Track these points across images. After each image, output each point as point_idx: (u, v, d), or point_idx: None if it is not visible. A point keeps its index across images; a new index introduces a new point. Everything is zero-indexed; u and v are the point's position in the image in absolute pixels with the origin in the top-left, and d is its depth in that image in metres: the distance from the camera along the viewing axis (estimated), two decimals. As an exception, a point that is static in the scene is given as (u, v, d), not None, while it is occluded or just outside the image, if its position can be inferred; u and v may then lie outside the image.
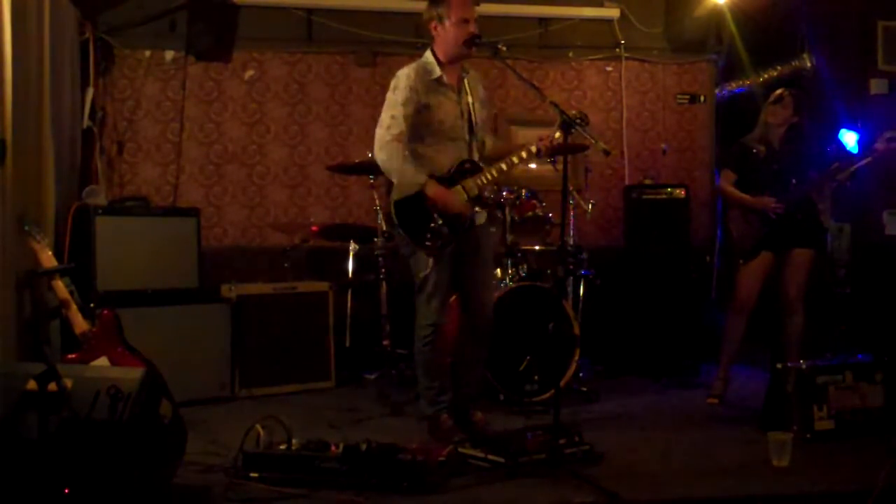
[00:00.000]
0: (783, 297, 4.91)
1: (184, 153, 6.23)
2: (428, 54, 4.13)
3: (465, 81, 4.14)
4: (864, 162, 4.75)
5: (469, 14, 4.02)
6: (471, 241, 4.12)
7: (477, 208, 4.11)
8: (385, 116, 4.03)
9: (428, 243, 3.98)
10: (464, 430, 4.12)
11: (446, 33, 4.04)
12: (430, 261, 4.02)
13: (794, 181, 4.83)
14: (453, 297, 4.61)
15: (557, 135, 3.88)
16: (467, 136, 4.11)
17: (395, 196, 4.02)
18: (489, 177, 4.04)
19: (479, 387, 4.41)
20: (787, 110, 4.91)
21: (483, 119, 4.24)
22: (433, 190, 3.94)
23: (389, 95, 4.06)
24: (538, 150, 4.02)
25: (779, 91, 5.01)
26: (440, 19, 4.04)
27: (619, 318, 6.10)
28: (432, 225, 3.97)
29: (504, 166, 4.05)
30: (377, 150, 4.04)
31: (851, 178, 4.81)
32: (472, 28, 4.02)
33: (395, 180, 4.02)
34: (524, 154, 4.04)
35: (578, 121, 3.79)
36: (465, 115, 4.11)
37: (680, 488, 3.42)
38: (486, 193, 4.16)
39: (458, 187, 4.01)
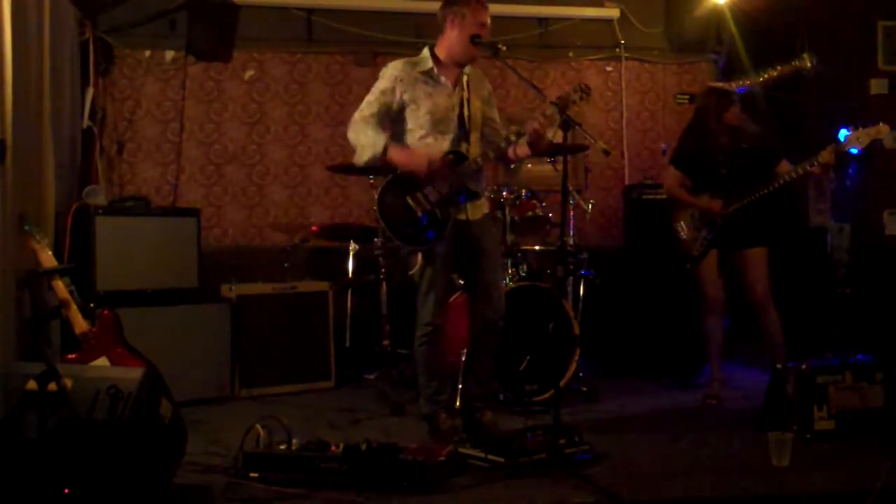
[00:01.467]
0: (750, 298, 4.88)
1: (184, 153, 6.24)
2: (425, 51, 4.14)
3: (465, 79, 4.14)
4: (810, 169, 4.61)
5: (486, 19, 4.05)
6: (467, 238, 4.11)
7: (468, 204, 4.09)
8: (363, 101, 4.12)
9: (411, 238, 4.02)
10: (471, 431, 4.11)
11: (462, 32, 4.02)
12: (419, 257, 4.05)
13: (739, 186, 4.75)
14: (455, 297, 4.63)
15: (542, 127, 3.91)
16: (458, 131, 4.09)
17: (359, 161, 4.06)
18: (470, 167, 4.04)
19: (489, 387, 4.40)
20: (738, 108, 4.85)
21: (488, 117, 4.23)
22: (393, 152, 3.97)
23: (375, 84, 4.14)
24: (527, 140, 4.00)
25: (727, 88, 4.97)
26: (460, 17, 4.02)
27: (619, 318, 6.09)
28: (417, 215, 3.97)
29: (490, 154, 4.06)
30: (348, 131, 4.11)
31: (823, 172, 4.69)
32: (486, 34, 4.04)
33: (357, 150, 4.05)
34: (502, 145, 4.04)
35: (581, 93, 3.81)
36: (458, 111, 4.09)
37: (680, 488, 3.42)
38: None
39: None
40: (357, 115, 4.09)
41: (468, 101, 4.11)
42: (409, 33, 6.32)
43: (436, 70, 4.08)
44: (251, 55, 6.35)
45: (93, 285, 4.74)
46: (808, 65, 6.31)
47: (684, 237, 4.97)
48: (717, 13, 6.61)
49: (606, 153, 3.88)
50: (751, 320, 5.00)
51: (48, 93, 4.63)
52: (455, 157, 4.05)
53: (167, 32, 6.16)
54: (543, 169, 5.66)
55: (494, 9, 5.93)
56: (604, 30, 6.81)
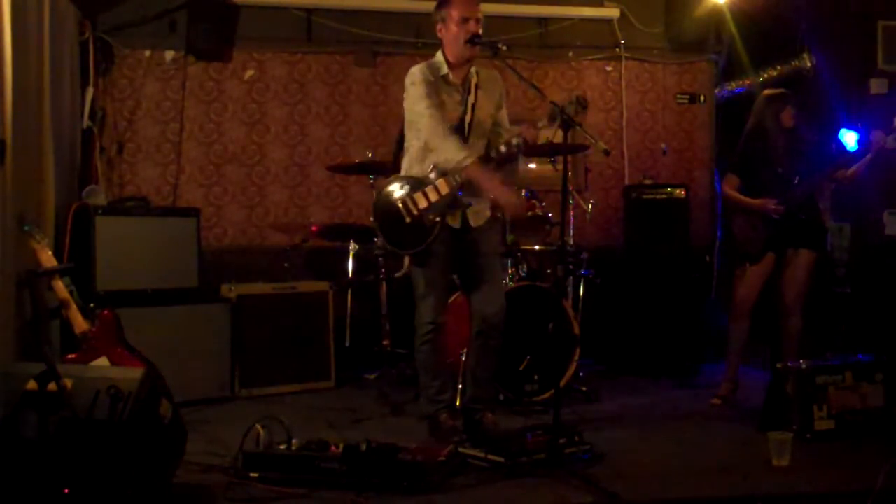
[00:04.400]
0: (781, 298, 4.90)
1: (184, 153, 6.23)
2: (438, 54, 4.14)
3: (474, 81, 4.13)
4: (865, 160, 4.74)
5: (469, 13, 4.01)
6: (464, 243, 4.11)
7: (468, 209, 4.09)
8: (412, 113, 4.05)
9: (397, 242, 4.04)
10: (470, 432, 4.11)
11: (449, 34, 4.04)
12: (405, 260, 4.06)
13: (795, 181, 4.82)
14: (455, 297, 4.62)
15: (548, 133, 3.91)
16: (466, 136, 4.09)
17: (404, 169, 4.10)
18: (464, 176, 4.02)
19: (489, 389, 4.39)
20: (794, 110, 4.88)
21: (497, 120, 4.22)
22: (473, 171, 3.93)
23: (410, 90, 4.07)
24: (518, 146, 3.98)
25: (783, 92, 4.99)
26: (443, 21, 4.05)
27: (619, 318, 6.10)
28: (405, 221, 3.97)
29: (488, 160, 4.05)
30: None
31: (853, 179, 4.81)
32: (473, 27, 4.02)
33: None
34: (502, 149, 4.01)
35: (578, 106, 3.81)
36: (464, 116, 4.09)
37: (680, 488, 3.43)
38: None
39: (430, 186, 4.00)
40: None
41: (474, 106, 4.10)
42: (409, 33, 6.32)
43: (451, 74, 4.09)
44: (251, 55, 6.35)
45: (93, 285, 4.74)
46: (808, 65, 6.31)
47: (741, 238, 4.97)
48: (716, 13, 6.60)
49: (606, 153, 3.89)
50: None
51: (48, 93, 4.63)
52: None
53: (167, 32, 6.16)
54: (543, 169, 5.66)
55: (494, 9, 5.97)
56: (604, 30, 6.80)
